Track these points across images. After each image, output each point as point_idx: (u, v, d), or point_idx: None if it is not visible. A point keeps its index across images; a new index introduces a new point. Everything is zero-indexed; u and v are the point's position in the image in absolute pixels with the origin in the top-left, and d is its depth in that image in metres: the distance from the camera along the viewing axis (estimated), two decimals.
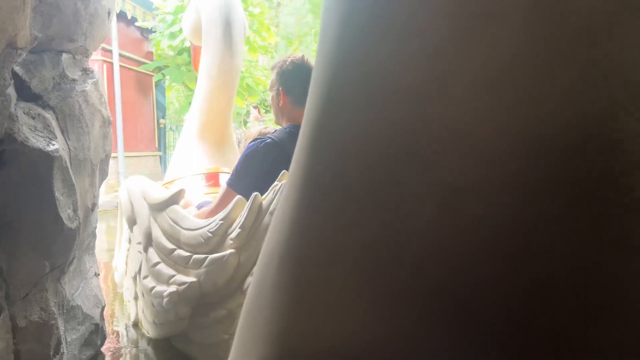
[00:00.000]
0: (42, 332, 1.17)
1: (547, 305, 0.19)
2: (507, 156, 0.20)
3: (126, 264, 2.42)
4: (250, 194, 1.66)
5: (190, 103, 7.07)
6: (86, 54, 1.89)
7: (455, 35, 0.22)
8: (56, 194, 1.28)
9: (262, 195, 1.54)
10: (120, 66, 6.75)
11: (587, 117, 0.19)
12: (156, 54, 8.02)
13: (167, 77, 7.79)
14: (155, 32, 7.50)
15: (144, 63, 7.90)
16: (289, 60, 1.87)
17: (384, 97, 0.25)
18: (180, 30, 6.70)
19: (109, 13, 2.01)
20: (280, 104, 1.87)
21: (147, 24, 7.50)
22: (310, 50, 10.64)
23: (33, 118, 1.35)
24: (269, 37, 7.87)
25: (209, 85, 2.80)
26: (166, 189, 2.40)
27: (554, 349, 0.19)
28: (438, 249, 0.22)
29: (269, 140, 1.80)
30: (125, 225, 2.41)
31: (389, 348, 0.23)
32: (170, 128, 9.75)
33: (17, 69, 1.39)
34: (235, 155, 3.15)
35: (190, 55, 7.08)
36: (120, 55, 6.74)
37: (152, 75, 8.22)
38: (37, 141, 1.27)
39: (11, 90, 1.29)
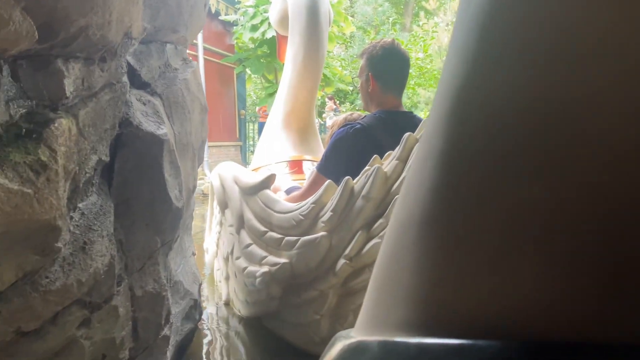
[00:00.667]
0: (155, 302, 1.26)
1: None
2: None
3: (217, 246, 2.54)
4: (339, 179, 1.69)
5: (268, 94, 7.23)
6: (185, 44, 1.99)
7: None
8: (165, 175, 1.37)
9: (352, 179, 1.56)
10: (204, 59, 7.03)
11: None
12: (237, 46, 8.27)
13: (248, 69, 8.02)
14: (237, 25, 7.73)
15: (226, 55, 8.18)
16: (379, 45, 1.86)
17: (543, 56, 0.24)
18: (262, 22, 6.87)
19: (205, 4, 2.11)
20: (369, 90, 1.88)
21: (230, 18, 7.76)
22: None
23: (144, 104, 1.44)
24: (346, 27, 7.85)
25: (294, 74, 2.85)
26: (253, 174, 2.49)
27: None
28: (610, 212, 0.22)
29: (358, 125, 1.82)
30: (217, 209, 2.53)
31: (560, 310, 0.23)
32: (250, 119, 10.04)
33: (129, 58, 1.49)
34: (318, 144, 3.20)
35: (270, 47, 7.23)
36: (205, 48, 7.02)
37: (234, 68, 8.50)
38: (149, 125, 1.36)
39: (126, 78, 1.38)
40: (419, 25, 10.52)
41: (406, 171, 1.40)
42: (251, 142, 10.04)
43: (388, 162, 1.47)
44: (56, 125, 0.95)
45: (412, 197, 0.35)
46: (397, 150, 1.44)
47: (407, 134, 1.42)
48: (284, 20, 2.92)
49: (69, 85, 1.04)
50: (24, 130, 0.89)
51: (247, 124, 9.56)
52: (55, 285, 0.84)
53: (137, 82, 1.50)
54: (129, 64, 1.48)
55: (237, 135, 9.15)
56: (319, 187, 1.67)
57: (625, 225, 0.20)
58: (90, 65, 1.14)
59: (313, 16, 2.69)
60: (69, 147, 0.97)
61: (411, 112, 1.95)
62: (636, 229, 0.20)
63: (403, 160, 1.42)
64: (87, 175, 1.06)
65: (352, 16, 14.04)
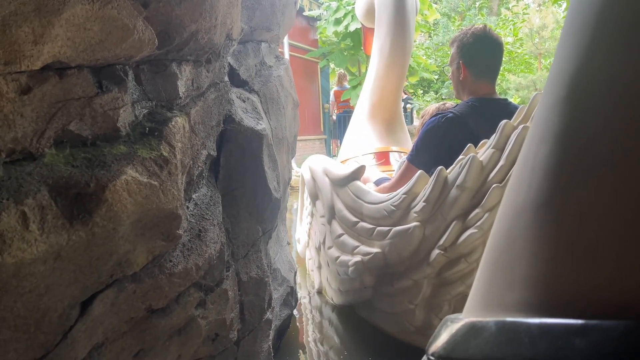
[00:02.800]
0: (259, 286, 1.34)
1: None
2: None
3: (308, 236, 2.62)
4: (431, 169, 1.68)
5: (352, 87, 7.24)
6: (278, 42, 2.07)
7: None
8: (265, 168, 1.45)
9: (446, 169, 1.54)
10: (290, 55, 7.20)
11: None
12: (321, 41, 8.38)
13: (331, 62, 8.11)
14: (320, 19, 7.83)
15: (310, 50, 8.32)
16: (470, 32, 1.82)
17: None
18: (345, 16, 6.90)
19: (295, 3, 2.18)
20: (461, 78, 1.84)
21: (313, 13, 7.87)
22: (475, 25, 10.14)
23: (243, 101, 1.53)
24: (430, 15, 7.68)
25: (380, 66, 2.86)
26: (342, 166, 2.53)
27: None
28: None
29: (450, 114, 1.79)
30: (307, 201, 2.60)
31: None
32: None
33: (229, 58, 1.58)
34: (405, 135, 3.18)
35: (354, 40, 7.25)
36: (290, 44, 7.19)
37: (318, 62, 8.62)
38: (249, 121, 1.44)
39: (227, 77, 1.47)
40: (507, 8, 10.02)
41: (503, 160, 1.37)
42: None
43: (484, 151, 1.45)
44: (173, 123, 1.04)
45: (526, 182, 0.36)
46: (494, 139, 1.41)
47: (503, 121, 1.39)
48: (370, 12, 2.93)
49: (182, 87, 1.13)
50: (147, 128, 0.99)
51: (329, 118, 9.68)
52: (178, 268, 0.93)
53: (236, 80, 1.59)
54: (229, 63, 1.57)
55: (322, 129, 9.29)
56: (410, 178, 1.67)
57: None
58: (198, 67, 1.23)
59: (400, 7, 2.67)
60: (184, 143, 1.06)
61: (506, 99, 1.89)
62: None
63: (500, 148, 1.39)
64: (199, 168, 1.15)
65: (436, 3, 13.68)
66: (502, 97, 1.92)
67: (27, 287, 0.62)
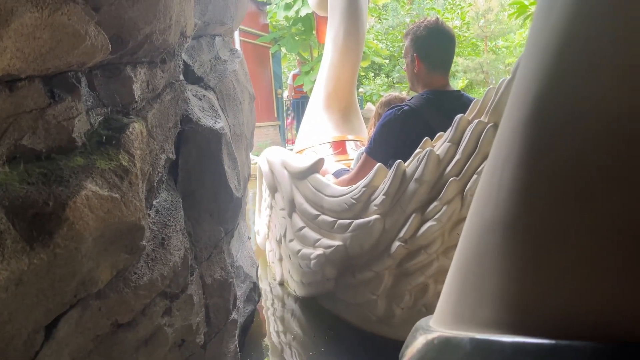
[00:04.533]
0: (224, 288, 1.33)
1: None
2: None
3: (268, 228, 2.61)
4: (389, 161, 1.71)
5: (305, 72, 7.21)
6: (232, 34, 2.03)
7: None
8: (225, 167, 1.43)
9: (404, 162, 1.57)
10: (240, 40, 7.07)
11: None
12: (271, 25, 8.28)
13: (283, 47, 8.03)
14: (270, 4, 7.73)
15: (261, 35, 8.20)
16: (423, 25, 1.85)
17: (628, 73, 0.25)
18: (295, 1, 6.83)
19: None
20: (415, 71, 1.87)
21: None
22: (423, 10, 10.23)
23: (200, 99, 1.50)
24: (379, 0, 7.72)
25: (335, 55, 2.86)
26: (299, 157, 2.54)
27: None
28: None
29: (406, 107, 1.82)
30: (266, 193, 2.60)
31: None
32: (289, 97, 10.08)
33: (182, 55, 1.54)
34: (360, 123, 3.21)
35: (305, 25, 7.19)
36: (240, 29, 7.05)
37: (269, 47, 8.52)
38: (207, 120, 1.41)
39: (182, 76, 1.44)
40: None
41: (459, 153, 1.41)
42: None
43: (440, 145, 1.48)
44: (130, 129, 1.01)
45: (493, 200, 0.36)
46: (449, 132, 1.45)
47: (458, 115, 1.43)
48: (323, 1, 2.92)
49: (137, 90, 1.10)
50: (104, 137, 0.96)
51: (284, 103, 9.62)
52: (143, 280, 0.92)
53: (191, 77, 1.55)
54: (183, 60, 1.53)
55: (276, 115, 9.22)
56: (369, 171, 1.70)
57: None
58: (153, 68, 1.19)
59: None
60: (142, 149, 1.03)
61: (459, 91, 1.94)
62: None
63: (456, 142, 1.43)
64: (159, 174, 1.12)
65: None
66: (456, 89, 1.97)
67: None
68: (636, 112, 0.24)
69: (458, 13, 9.00)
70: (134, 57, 1.08)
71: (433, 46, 1.85)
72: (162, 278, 0.98)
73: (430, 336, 0.39)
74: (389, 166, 1.63)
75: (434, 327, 0.40)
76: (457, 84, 11.43)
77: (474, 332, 0.34)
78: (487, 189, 0.36)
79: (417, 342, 0.39)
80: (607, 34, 0.27)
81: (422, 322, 0.45)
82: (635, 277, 0.24)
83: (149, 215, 1.04)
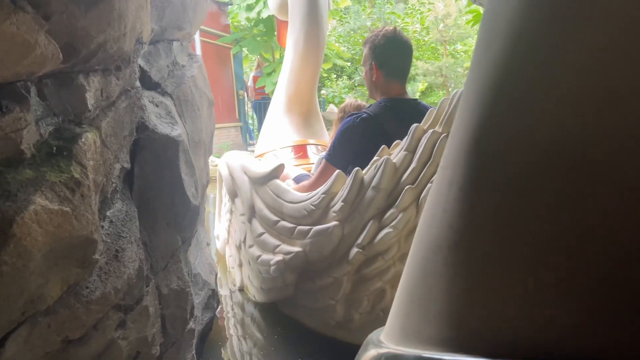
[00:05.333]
0: (180, 298, 1.32)
1: None
2: None
3: (228, 233, 2.60)
4: (348, 168, 1.74)
5: (266, 74, 7.19)
6: (190, 39, 2.01)
7: (628, 49, 0.24)
8: (182, 175, 1.42)
9: (361, 169, 1.60)
10: (201, 40, 6.98)
11: None
12: (233, 26, 8.22)
13: (244, 48, 7.98)
14: (232, 5, 7.67)
15: (222, 36, 8.12)
16: (381, 34, 1.88)
17: (560, 104, 0.27)
18: (257, 2, 6.80)
19: None
20: (373, 79, 1.91)
21: None
22: (384, 14, 10.36)
23: (156, 106, 1.48)
24: (341, 2, 7.77)
25: (295, 59, 2.87)
26: (259, 162, 2.53)
27: None
28: (621, 242, 0.24)
29: (364, 115, 1.85)
30: (226, 197, 2.58)
31: (578, 334, 0.25)
32: (249, 98, 10.02)
33: (139, 60, 1.52)
34: (321, 127, 3.23)
35: (266, 26, 7.17)
36: (201, 29, 6.96)
37: (230, 48, 8.44)
38: (164, 127, 1.40)
39: (138, 83, 1.42)
40: None
41: (415, 162, 1.44)
42: (250, 122, 10.04)
43: (396, 153, 1.51)
44: (83, 140, 0.99)
45: (437, 222, 0.38)
46: (406, 141, 1.48)
47: (414, 125, 1.46)
48: (283, 6, 2.92)
49: (90, 99, 1.08)
50: (54, 148, 0.93)
51: (245, 104, 9.55)
52: (95, 295, 0.90)
53: (147, 83, 1.53)
54: (139, 66, 1.51)
55: (237, 116, 9.15)
56: (328, 177, 1.71)
57: (632, 259, 0.23)
58: (107, 76, 1.17)
59: (313, 2, 2.69)
60: (96, 160, 1.01)
61: (416, 99, 1.98)
62: None
63: (411, 150, 1.46)
64: (113, 184, 1.11)
65: None
66: (412, 97, 2.01)
67: None
68: (569, 141, 0.26)
69: (418, 18, 9.16)
70: (86, 66, 1.06)
71: (391, 55, 1.88)
72: (116, 291, 0.96)
73: (380, 351, 0.40)
74: (348, 173, 1.65)
75: (384, 342, 0.42)
76: (417, 86, 11.63)
77: (420, 349, 0.35)
78: (432, 210, 0.38)
79: (368, 356, 0.41)
80: (541, 65, 0.28)
81: (373, 335, 0.46)
82: (561, 301, 0.26)
83: (102, 227, 1.02)
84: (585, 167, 0.25)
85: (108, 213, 1.08)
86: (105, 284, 0.94)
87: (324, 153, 2.28)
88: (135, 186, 1.29)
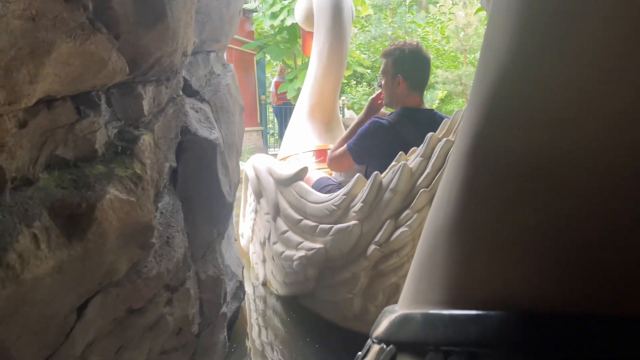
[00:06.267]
0: (216, 284, 1.48)
1: None
2: (625, 182, 0.28)
3: (252, 231, 2.75)
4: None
5: (288, 80, 7.34)
6: (224, 50, 2.18)
7: (594, 73, 0.29)
8: (219, 174, 1.58)
9: (378, 169, 1.75)
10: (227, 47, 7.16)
11: None
12: (257, 33, 8.42)
13: (267, 55, 8.18)
14: (256, 12, 7.88)
15: (246, 42, 8.33)
16: (407, 48, 2.03)
17: (533, 119, 0.33)
18: (281, 10, 6.99)
19: (239, 11, 2.28)
20: (397, 90, 2.05)
21: (250, 5, 7.88)
22: (405, 22, 10.47)
23: (197, 111, 1.64)
24: (363, 11, 7.92)
25: (319, 69, 3.03)
26: (283, 165, 2.69)
27: None
28: (582, 228, 0.30)
29: (385, 122, 2.01)
30: (251, 198, 2.74)
31: (547, 298, 0.31)
32: (269, 103, 10.22)
33: (182, 71, 1.68)
34: (342, 133, 3.37)
35: (290, 34, 7.34)
36: None
37: (254, 54, 8.65)
38: (203, 131, 1.56)
39: (181, 91, 1.58)
40: (435, 5, 10.52)
41: (430, 167, 1.58)
42: (271, 126, 10.23)
43: (413, 159, 1.65)
44: (141, 141, 1.15)
45: (442, 211, 0.50)
46: (421, 149, 1.62)
47: (429, 134, 1.60)
48: (309, 18, 3.08)
49: (146, 105, 1.24)
50: (119, 147, 1.10)
51: (267, 109, 9.75)
52: (152, 273, 1.06)
53: (188, 90, 1.70)
54: (182, 76, 1.67)
55: (258, 121, 9.35)
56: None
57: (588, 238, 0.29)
58: (159, 86, 1.33)
59: (337, 15, 2.85)
60: (151, 158, 1.17)
61: (432, 110, 2.12)
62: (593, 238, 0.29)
63: (427, 157, 1.60)
64: (164, 180, 1.27)
65: None
66: (429, 107, 2.15)
67: (39, 298, 0.74)
68: (540, 154, 0.32)
69: (438, 27, 9.27)
70: (144, 77, 1.22)
71: (415, 69, 2.03)
72: (167, 272, 1.12)
73: (393, 315, 0.51)
74: (367, 176, 1.79)
75: (398, 309, 0.54)
76: (437, 94, 11.70)
77: (426, 309, 0.47)
78: (439, 201, 0.45)
79: (383, 321, 0.52)
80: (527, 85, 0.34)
81: (389, 307, 0.59)
82: (524, 267, 0.33)
83: (156, 216, 1.18)
84: (548, 173, 0.32)
85: (159, 205, 1.24)
86: (160, 264, 1.10)
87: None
88: (179, 183, 1.45)
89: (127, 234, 0.96)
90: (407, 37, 10.27)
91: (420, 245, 0.44)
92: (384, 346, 0.37)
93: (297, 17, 3.33)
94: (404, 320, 0.38)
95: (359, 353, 0.43)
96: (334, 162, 2.26)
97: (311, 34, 3.15)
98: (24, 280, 0.70)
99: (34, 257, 0.72)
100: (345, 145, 2.18)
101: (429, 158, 1.59)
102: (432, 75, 9.34)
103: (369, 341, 0.42)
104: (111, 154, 1.08)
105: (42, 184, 0.86)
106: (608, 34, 0.28)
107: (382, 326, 0.41)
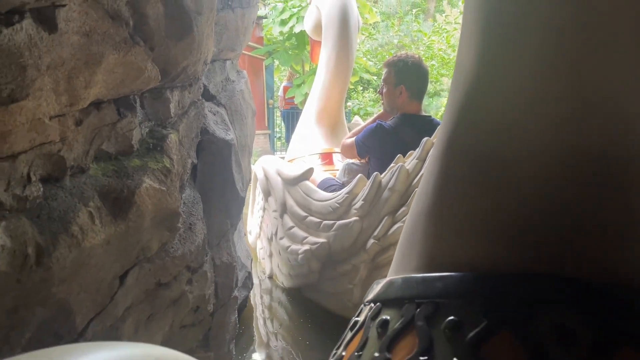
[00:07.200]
0: (229, 270, 1.64)
1: (572, 227, 0.32)
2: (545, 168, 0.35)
3: (260, 228, 2.92)
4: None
5: (297, 85, 7.52)
6: (238, 57, 2.35)
7: (533, 89, 0.33)
8: (233, 171, 1.74)
9: (378, 167, 1.91)
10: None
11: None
12: (266, 39, 8.63)
13: (276, 60, 8.38)
14: (266, 18, 8.08)
15: (255, 47, 8.54)
16: (410, 61, 2.20)
17: (490, 125, 0.40)
18: (290, 17, 7.19)
19: (254, 22, 2.46)
20: (399, 98, 2.22)
21: (260, 12, 8.07)
22: (411, 31, 10.66)
23: (214, 114, 1.81)
24: (370, 18, 8.10)
25: (326, 77, 3.20)
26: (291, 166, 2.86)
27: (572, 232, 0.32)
28: (521, 210, 0.38)
29: (387, 126, 2.19)
30: (259, 197, 2.91)
31: (494, 261, 0.38)
32: (277, 107, 10.44)
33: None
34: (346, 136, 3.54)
35: (298, 40, 7.53)
36: None
37: (263, 59, 8.85)
38: (220, 132, 1.73)
39: (201, 95, 1.75)
40: (441, 14, 10.72)
41: (424, 169, 1.74)
42: (277, 130, 10.42)
43: (410, 161, 1.81)
44: (169, 139, 1.32)
45: (422, 197, 0.65)
46: (417, 152, 1.78)
47: (425, 138, 1.76)
48: (317, 28, 3.26)
49: (172, 108, 1.41)
50: (151, 144, 1.27)
51: (274, 113, 9.94)
52: (178, 253, 1.22)
53: (206, 95, 1.87)
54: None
55: (266, 124, 9.54)
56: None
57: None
58: (183, 91, 1.50)
59: (344, 26, 3.02)
60: (177, 155, 1.34)
61: (429, 116, 2.29)
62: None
63: (422, 159, 1.76)
64: (187, 174, 1.43)
65: (375, 2, 14.17)
66: (427, 114, 2.32)
67: (93, 264, 0.91)
68: (493, 148, 0.40)
69: (444, 36, 9.46)
70: (172, 84, 1.39)
71: (417, 80, 2.20)
72: (190, 253, 1.29)
73: (380, 282, 0.53)
74: (368, 176, 1.96)
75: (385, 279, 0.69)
76: (442, 101, 11.84)
77: (405, 275, 0.62)
78: (420, 190, 0.52)
79: (373, 287, 0.52)
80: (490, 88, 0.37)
81: (377, 279, 0.72)
82: (485, 238, 0.39)
83: (181, 205, 1.35)
84: (501, 168, 0.39)
85: (183, 196, 1.41)
86: (184, 246, 1.26)
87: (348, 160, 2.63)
88: (198, 178, 1.61)
89: (159, 218, 1.13)
90: (413, 46, 10.44)
91: (404, 228, 0.50)
92: (372, 305, 0.43)
93: (307, 27, 3.51)
94: (388, 284, 0.44)
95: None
96: (344, 149, 2.57)
97: (319, 43, 3.32)
98: (84, 247, 0.86)
99: (91, 230, 0.89)
100: (354, 138, 2.39)
101: (424, 160, 1.75)
102: (438, 83, 9.51)
103: (362, 305, 0.48)
104: (144, 150, 1.24)
105: (92, 172, 1.03)
106: (544, 55, 0.33)
107: (371, 291, 0.46)
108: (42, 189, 0.85)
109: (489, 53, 0.37)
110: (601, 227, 0.33)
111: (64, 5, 0.91)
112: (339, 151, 3.46)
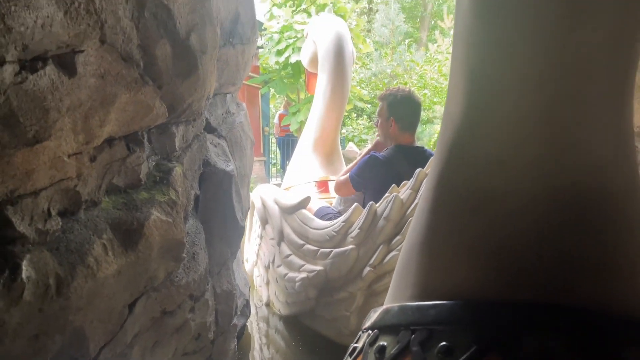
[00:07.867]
0: (229, 297, 1.69)
1: (553, 258, 0.35)
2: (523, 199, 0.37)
3: (257, 255, 2.96)
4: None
5: (292, 113, 7.63)
6: (237, 90, 2.44)
7: (512, 132, 0.37)
8: (233, 201, 1.80)
9: (373, 198, 1.97)
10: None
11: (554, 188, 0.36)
12: (262, 68, 8.79)
13: (272, 89, 8.52)
14: (262, 48, 8.25)
15: (252, 77, 8.69)
16: (400, 94, 2.29)
17: (476, 165, 0.44)
18: (286, 48, 7.35)
19: (253, 56, 2.55)
20: (389, 130, 2.30)
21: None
22: (404, 61, 10.89)
23: (215, 146, 1.88)
24: (364, 49, 8.30)
25: (322, 107, 3.29)
26: (287, 194, 2.92)
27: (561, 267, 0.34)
28: (506, 243, 0.41)
29: (381, 157, 2.25)
30: (257, 224, 2.96)
31: (483, 290, 0.41)
32: (272, 134, 10.56)
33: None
34: (342, 166, 3.61)
35: (293, 70, 7.69)
36: None
37: (259, 88, 9.00)
38: (221, 164, 1.79)
39: (203, 129, 1.82)
40: (433, 43, 10.98)
41: (418, 198, 1.81)
42: (273, 156, 10.52)
43: (404, 191, 1.88)
44: (174, 172, 1.38)
45: (416, 230, 0.71)
46: (411, 182, 1.85)
47: (418, 169, 1.83)
48: (313, 61, 3.37)
49: (177, 142, 1.48)
50: (157, 177, 1.33)
51: (270, 140, 10.05)
52: (182, 282, 1.27)
53: (208, 128, 1.94)
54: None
55: (262, 151, 9.65)
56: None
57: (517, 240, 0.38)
58: (187, 125, 1.57)
59: (339, 60, 3.13)
60: (182, 187, 1.40)
61: (422, 147, 2.37)
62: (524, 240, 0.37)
63: (415, 189, 1.83)
64: (190, 205, 1.49)
65: (368, 31, 14.46)
66: (420, 145, 2.40)
67: (105, 293, 0.96)
68: (479, 188, 0.44)
69: (436, 65, 9.68)
70: (178, 119, 1.46)
71: (407, 112, 2.29)
72: (194, 282, 1.34)
73: (377, 310, 0.55)
74: (364, 205, 2.02)
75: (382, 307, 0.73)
76: (435, 129, 12.02)
77: (400, 303, 0.67)
78: (414, 224, 0.55)
79: (370, 315, 0.55)
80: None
81: (374, 308, 0.77)
82: (474, 269, 0.43)
83: (185, 235, 1.40)
84: (486, 203, 0.43)
85: (186, 226, 1.46)
86: (188, 275, 1.31)
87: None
88: (200, 208, 1.67)
89: (165, 248, 1.19)
90: (405, 75, 10.64)
91: (399, 258, 0.53)
92: (370, 332, 0.44)
93: (304, 60, 3.62)
94: (385, 312, 0.45)
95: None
96: (339, 188, 2.57)
97: (315, 74, 3.43)
98: (99, 277, 0.92)
99: (104, 261, 0.94)
100: (347, 175, 2.44)
101: (418, 190, 1.82)
102: (431, 111, 9.69)
103: (360, 332, 0.50)
104: (151, 183, 1.31)
105: (104, 205, 1.09)
106: (522, 103, 0.36)
107: (369, 319, 0.49)
108: (60, 223, 0.91)
109: (474, 101, 0.40)
110: (581, 259, 0.35)
111: (82, 51, 0.99)
112: (335, 189, 3.55)
